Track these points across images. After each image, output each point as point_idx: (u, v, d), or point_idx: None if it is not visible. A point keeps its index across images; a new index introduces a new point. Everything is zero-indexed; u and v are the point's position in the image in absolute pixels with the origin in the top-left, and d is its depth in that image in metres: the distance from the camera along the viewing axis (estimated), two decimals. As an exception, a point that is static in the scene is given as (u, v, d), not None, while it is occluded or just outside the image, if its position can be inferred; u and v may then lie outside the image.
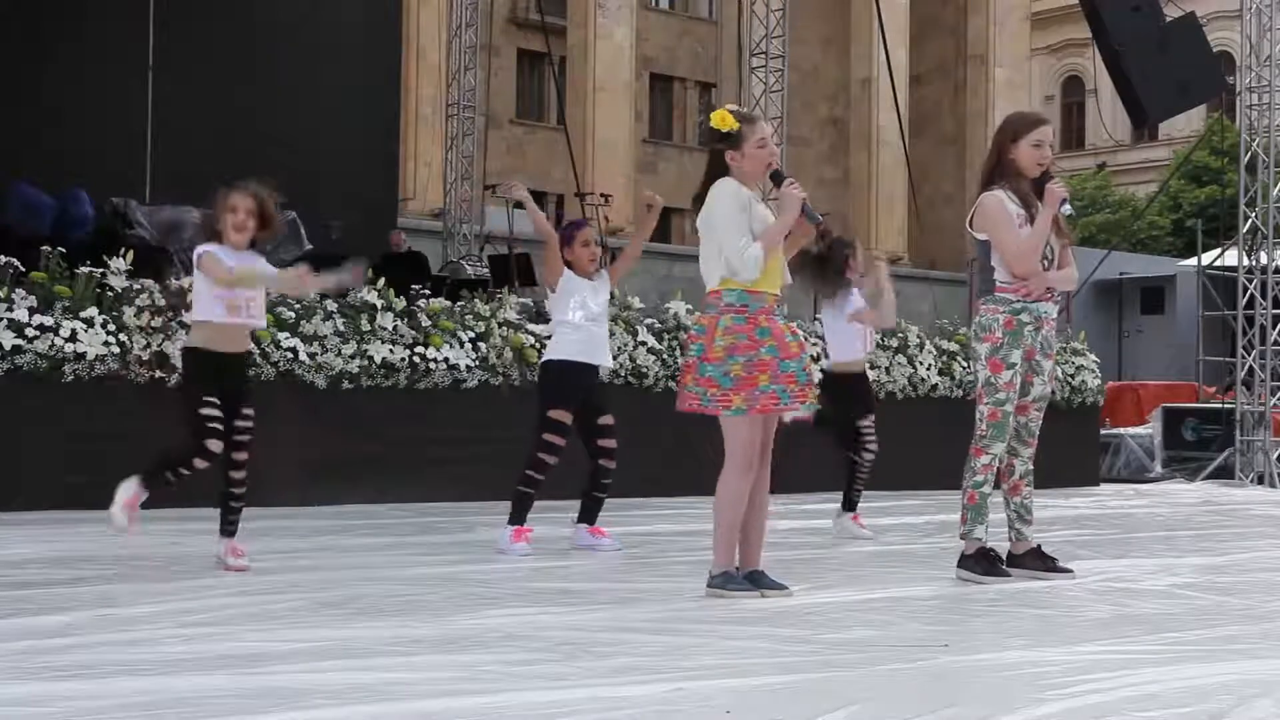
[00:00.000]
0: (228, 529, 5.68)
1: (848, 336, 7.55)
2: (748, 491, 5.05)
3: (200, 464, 5.46)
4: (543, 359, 6.73)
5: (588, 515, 6.75)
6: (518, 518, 6.50)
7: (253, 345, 5.77)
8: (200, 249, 5.55)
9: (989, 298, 5.72)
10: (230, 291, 5.48)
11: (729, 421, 5.01)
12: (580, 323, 6.54)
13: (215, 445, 5.44)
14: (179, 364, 5.86)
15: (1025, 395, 5.75)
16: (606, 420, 6.67)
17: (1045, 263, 5.71)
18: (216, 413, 5.46)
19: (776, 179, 5.14)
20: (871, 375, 11.26)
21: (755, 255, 4.95)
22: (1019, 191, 5.69)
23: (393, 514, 8.30)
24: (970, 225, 5.76)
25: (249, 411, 5.60)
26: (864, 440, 7.59)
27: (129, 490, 5.44)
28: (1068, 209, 5.68)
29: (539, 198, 31.52)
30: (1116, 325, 22.64)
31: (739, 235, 4.96)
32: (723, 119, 5.07)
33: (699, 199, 5.10)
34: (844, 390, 7.46)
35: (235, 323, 5.54)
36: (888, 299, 7.51)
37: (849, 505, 7.71)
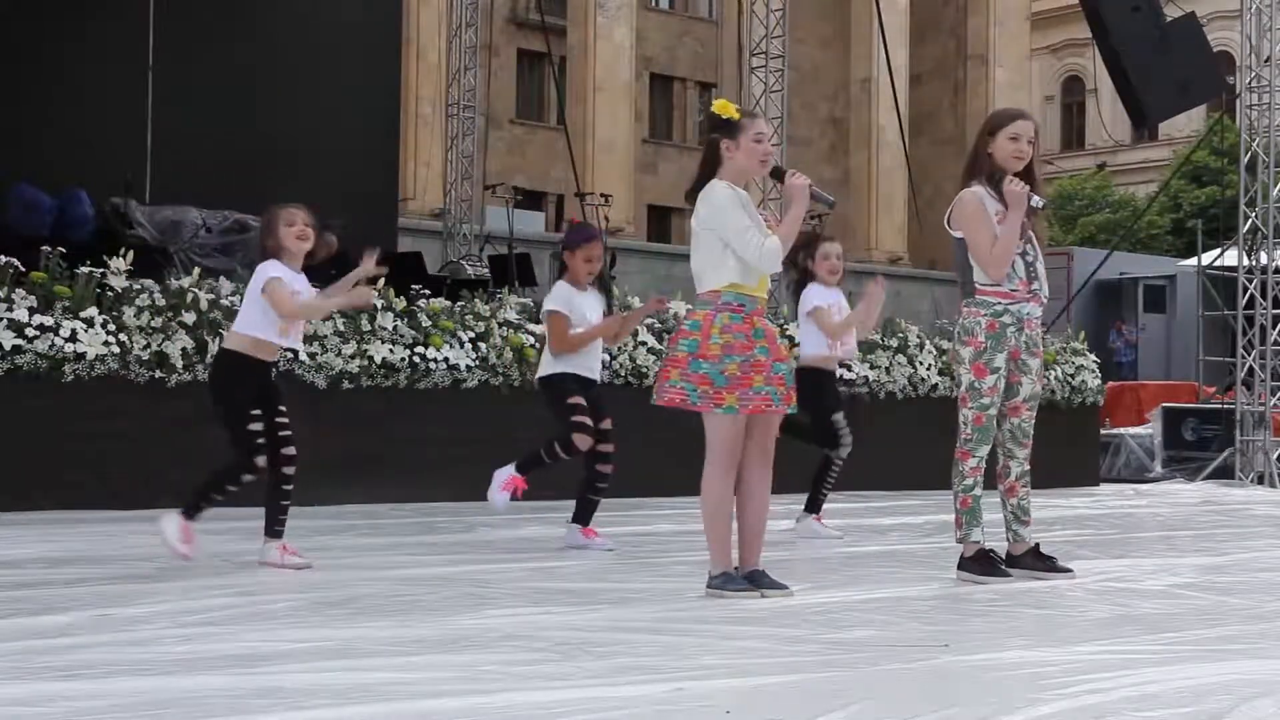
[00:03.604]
0: (275, 530, 5.76)
1: (813, 331, 7.45)
2: (731, 490, 5.04)
3: (248, 478, 5.61)
4: (540, 376, 6.71)
5: (582, 516, 6.75)
6: (524, 467, 6.55)
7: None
8: (267, 272, 5.61)
9: (970, 300, 5.70)
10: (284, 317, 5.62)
11: (713, 420, 4.98)
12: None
13: (262, 461, 5.59)
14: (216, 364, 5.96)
15: (1015, 396, 5.74)
16: (605, 425, 6.66)
17: (1029, 259, 5.69)
18: (261, 426, 5.61)
19: (777, 175, 5.15)
20: (871, 375, 11.34)
21: (774, 247, 4.94)
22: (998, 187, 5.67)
23: (393, 514, 8.30)
24: (948, 223, 5.74)
25: (283, 408, 5.74)
26: (839, 437, 7.51)
27: (172, 526, 5.55)
28: (1036, 201, 5.64)
29: (539, 197, 31.54)
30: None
31: (750, 231, 4.93)
32: (724, 106, 5.07)
33: (693, 192, 5.08)
34: (812, 385, 7.17)
35: (283, 343, 5.73)
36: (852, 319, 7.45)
37: (813, 506, 7.61)
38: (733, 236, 4.94)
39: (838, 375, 7.73)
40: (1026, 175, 5.68)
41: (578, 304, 6.59)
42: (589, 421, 6.50)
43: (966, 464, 5.68)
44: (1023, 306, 5.68)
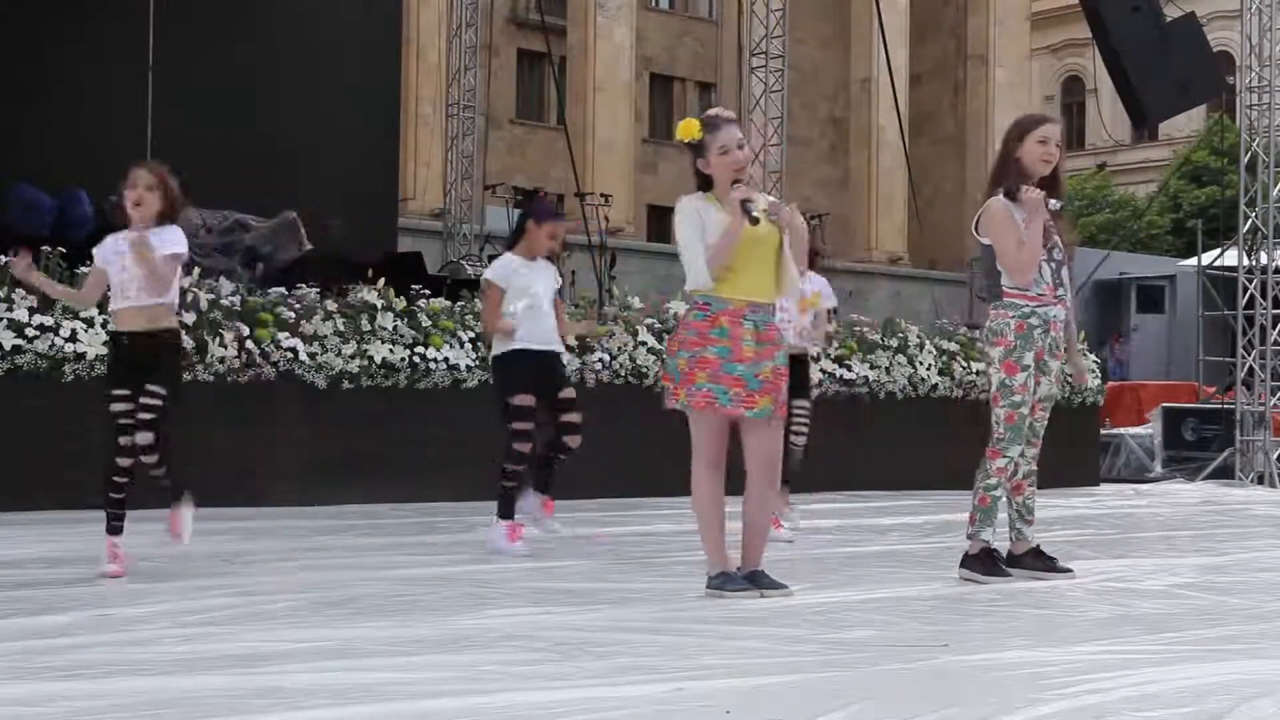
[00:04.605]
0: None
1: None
2: (716, 487, 5.07)
3: (124, 461, 5.39)
4: (493, 355, 6.64)
5: (543, 484, 6.67)
6: (506, 512, 6.50)
7: (165, 323, 5.55)
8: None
9: (999, 303, 5.73)
10: (121, 276, 5.42)
11: (690, 419, 5.07)
12: (521, 312, 6.47)
13: (125, 440, 5.39)
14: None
15: (1032, 395, 5.76)
16: (568, 394, 6.64)
17: (1055, 264, 5.72)
18: (125, 406, 5.41)
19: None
20: (871, 375, 11.33)
21: (699, 266, 5.02)
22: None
23: (393, 514, 8.30)
24: (975, 229, 5.77)
25: (154, 389, 5.43)
26: (795, 423, 7.29)
27: (106, 552, 5.42)
28: (1054, 203, 5.67)
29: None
30: (1116, 325, 22.65)
31: (693, 249, 5.06)
32: (686, 129, 5.14)
33: None
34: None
35: (122, 306, 5.46)
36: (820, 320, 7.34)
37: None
38: (681, 249, 5.10)
39: (806, 366, 7.53)
40: (1052, 177, 5.70)
41: (521, 277, 6.50)
42: (530, 427, 6.46)
43: (995, 463, 5.70)
44: (1049, 309, 5.71)
